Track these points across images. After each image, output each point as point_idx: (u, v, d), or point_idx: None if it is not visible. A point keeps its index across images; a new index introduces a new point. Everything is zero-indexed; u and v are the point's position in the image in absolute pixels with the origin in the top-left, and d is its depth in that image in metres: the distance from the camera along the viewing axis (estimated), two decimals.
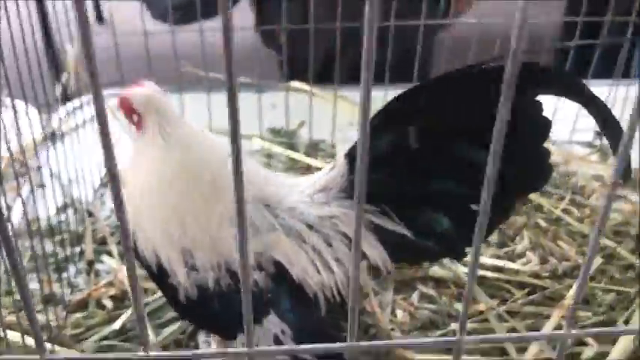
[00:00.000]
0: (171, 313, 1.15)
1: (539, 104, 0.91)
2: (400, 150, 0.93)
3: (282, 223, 0.95)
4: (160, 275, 0.93)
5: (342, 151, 0.96)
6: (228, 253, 0.92)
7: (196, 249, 0.92)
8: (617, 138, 0.86)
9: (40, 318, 1.04)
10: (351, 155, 0.95)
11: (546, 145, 0.94)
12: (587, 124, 1.57)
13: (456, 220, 0.98)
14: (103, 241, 1.30)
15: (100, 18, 3.65)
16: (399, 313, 1.16)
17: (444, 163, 0.94)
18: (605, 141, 1.60)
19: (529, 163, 0.94)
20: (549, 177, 0.98)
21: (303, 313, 0.96)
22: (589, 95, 0.87)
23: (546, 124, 0.93)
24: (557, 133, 1.60)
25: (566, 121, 1.53)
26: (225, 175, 0.91)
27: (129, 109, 0.92)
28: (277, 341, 0.96)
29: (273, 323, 0.95)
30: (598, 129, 1.52)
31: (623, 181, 0.93)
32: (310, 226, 0.96)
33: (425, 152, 0.93)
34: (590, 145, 1.61)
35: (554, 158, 1.55)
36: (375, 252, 0.99)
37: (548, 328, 1.11)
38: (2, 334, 1.00)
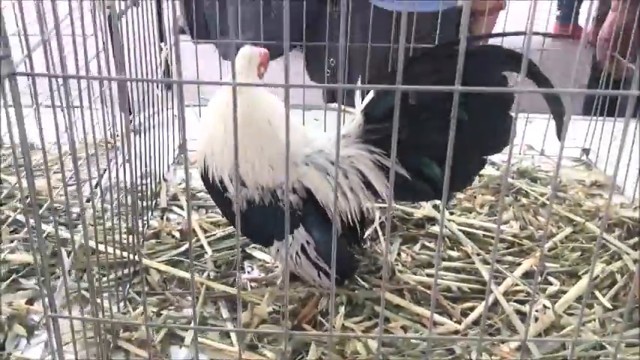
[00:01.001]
0: (224, 244, 1.48)
1: (505, 79, 1.24)
2: (403, 106, 1.25)
3: (313, 160, 1.28)
4: (221, 192, 1.26)
5: (360, 107, 1.28)
6: (271, 180, 1.25)
7: (249, 173, 1.25)
8: (557, 105, 1.18)
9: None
10: (366, 111, 1.28)
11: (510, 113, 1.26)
12: (575, 143, 1.90)
13: (443, 166, 1.29)
14: (174, 198, 1.65)
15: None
16: (403, 255, 1.46)
17: (435, 119, 1.25)
18: (589, 156, 1.91)
19: (497, 125, 1.25)
20: (514, 137, 1.30)
21: (324, 230, 1.27)
22: (540, 74, 1.20)
23: (510, 95, 1.25)
24: (550, 148, 1.92)
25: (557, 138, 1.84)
26: (277, 126, 1.24)
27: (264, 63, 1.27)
28: (303, 249, 1.28)
29: (301, 235, 1.27)
30: (584, 147, 1.84)
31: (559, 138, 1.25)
32: (333, 163, 1.29)
33: (421, 109, 1.25)
34: (577, 159, 1.92)
35: (546, 167, 1.86)
36: (384, 188, 1.30)
37: (520, 270, 1.40)
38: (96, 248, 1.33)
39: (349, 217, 1.31)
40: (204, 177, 1.29)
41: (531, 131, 1.92)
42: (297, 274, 1.33)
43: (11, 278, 1.36)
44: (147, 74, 1.60)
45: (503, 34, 1.32)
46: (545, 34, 1.29)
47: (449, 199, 1.40)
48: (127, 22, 1.41)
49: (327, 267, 1.27)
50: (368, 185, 1.30)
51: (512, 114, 1.27)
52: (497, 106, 1.24)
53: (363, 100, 1.30)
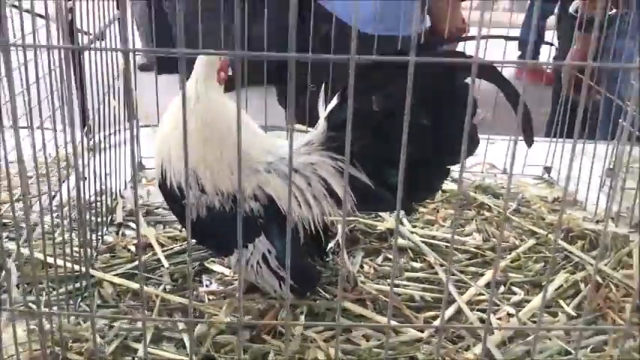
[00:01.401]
0: (181, 258, 1.44)
1: (467, 85, 1.24)
2: (365, 113, 1.23)
3: (275, 168, 1.26)
4: (179, 198, 1.22)
5: (323, 114, 1.26)
6: (232, 185, 1.22)
7: (208, 178, 1.22)
8: (515, 103, 1.18)
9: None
10: (329, 118, 1.27)
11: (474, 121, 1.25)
12: (537, 162, 1.90)
13: (406, 176, 1.27)
14: (131, 214, 1.61)
15: None
16: (366, 267, 1.44)
17: (397, 125, 1.24)
18: (551, 174, 1.91)
19: (461, 133, 1.24)
20: (477, 146, 1.29)
21: (286, 239, 1.24)
22: (501, 77, 1.20)
23: (474, 103, 1.25)
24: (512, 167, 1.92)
25: (520, 158, 1.86)
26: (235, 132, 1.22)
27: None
28: (264, 258, 1.24)
29: (263, 243, 1.23)
30: (546, 165, 1.85)
31: (528, 145, 1.24)
32: (295, 170, 1.26)
33: (384, 115, 1.23)
34: (539, 177, 1.92)
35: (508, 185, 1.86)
36: (348, 196, 1.27)
37: (483, 280, 1.39)
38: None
39: (312, 226, 1.28)
40: (162, 184, 1.25)
41: (493, 151, 1.92)
42: (257, 285, 1.29)
43: None
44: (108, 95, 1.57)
45: (461, 39, 1.32)
46: (498, 37, 1.29)
47: (412, 211, 1.38)
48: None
49: (289, 277, 1.24)
50: (331, 193, 1.27)
51: (475, 122, 1.26)
52: (461, 113, 1.23)
53: (326, 107, 1.28)
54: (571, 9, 2.41)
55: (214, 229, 1.23)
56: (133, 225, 1.57)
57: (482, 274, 1.41)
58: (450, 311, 1.30)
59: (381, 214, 1.62)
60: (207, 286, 1.38)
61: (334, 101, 1.26)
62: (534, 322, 1.28)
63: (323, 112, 1.27)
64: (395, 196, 1.27)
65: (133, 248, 1.46)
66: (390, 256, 1.48)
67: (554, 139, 1.89)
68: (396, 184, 1.27)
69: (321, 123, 1.28)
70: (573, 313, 1.30)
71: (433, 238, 1.52)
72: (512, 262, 1.47)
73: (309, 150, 1.28)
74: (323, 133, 1.27)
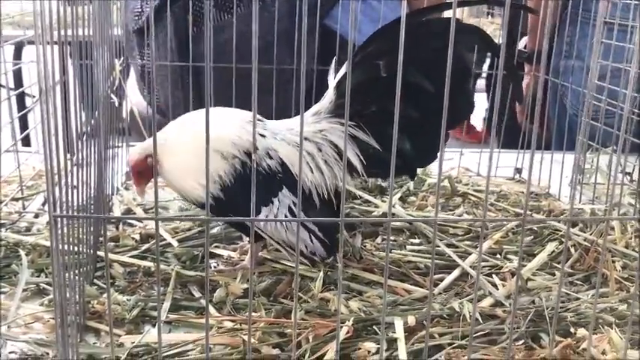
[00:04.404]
0: (187, 244, 1.46)
1: (465, 53, 1.33)
2: (373, 79, 1.29)
3: (283, 137, 1.31)
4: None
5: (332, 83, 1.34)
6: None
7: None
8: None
9: None
10: (337, 86, 1.34)
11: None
12: (508, 163, 2.01)
13: (412, 140, 1.32)
14: (128, 212, 1.63)
15: None
16: (367, 245, 1.49)
17: (405, 91, 1.30)
18: (522, 175, 2.02)
19: (459, 98, 1.31)
20: (472, 110, 1.38)
21: (305, 195, 1.29)
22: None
23: (470, 68, 1.34)
24: (484, 170, 2.03)
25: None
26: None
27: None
28: (291, 210, 1.27)
29: (286, 196, 1.27)
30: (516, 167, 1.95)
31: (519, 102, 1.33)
32: (305, 138, 1.31)
33: (390, 81, 1.29)
34: (511, 179, 2.02)
35: (484, 184, 1.96)
36: (355, 159, 1.33)
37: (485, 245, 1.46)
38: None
39: (324, 191, 1.32)
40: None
41: (465, 159, 2.03)
42: (283, 246, 1.30)
43: None
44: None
45: (438, 7, 1.39)
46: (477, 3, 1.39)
47: (415, 176, 1.45)
48: None
49: (317, 229, 1.29)
50: (342, 158, 1.32)
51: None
52: (459, 78, 1.29)
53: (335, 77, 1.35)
54: (520, 45, 2.60)
55: (243, 192, 1.23)
56: (133, 222, 1.58)
57: (476, 247, 1.48)
58: (454, 274, 1.36)
59: (373, 200, 1.68)
60: (214, 267, 1.40)
61: (343, 70, 1.33)
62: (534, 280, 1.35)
63: (332, 82, 1.35)
64: (401, 161, 1.35)
65: (137, 237, 1.47)
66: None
67: (522, 151, 2.02)
68: (402, 148, 1.34)
69: (330, 93, 1.34)
70: (570, 270, 1.39)
71: (427, 217, 1.59)
72: (502, 237, 1.54)
73: (318, 119, 1.34)
74: (331, 103, 1.34)
